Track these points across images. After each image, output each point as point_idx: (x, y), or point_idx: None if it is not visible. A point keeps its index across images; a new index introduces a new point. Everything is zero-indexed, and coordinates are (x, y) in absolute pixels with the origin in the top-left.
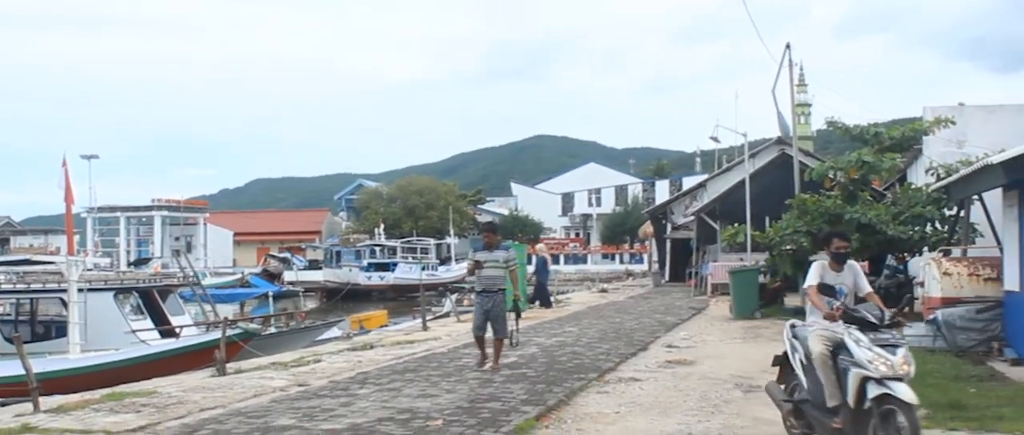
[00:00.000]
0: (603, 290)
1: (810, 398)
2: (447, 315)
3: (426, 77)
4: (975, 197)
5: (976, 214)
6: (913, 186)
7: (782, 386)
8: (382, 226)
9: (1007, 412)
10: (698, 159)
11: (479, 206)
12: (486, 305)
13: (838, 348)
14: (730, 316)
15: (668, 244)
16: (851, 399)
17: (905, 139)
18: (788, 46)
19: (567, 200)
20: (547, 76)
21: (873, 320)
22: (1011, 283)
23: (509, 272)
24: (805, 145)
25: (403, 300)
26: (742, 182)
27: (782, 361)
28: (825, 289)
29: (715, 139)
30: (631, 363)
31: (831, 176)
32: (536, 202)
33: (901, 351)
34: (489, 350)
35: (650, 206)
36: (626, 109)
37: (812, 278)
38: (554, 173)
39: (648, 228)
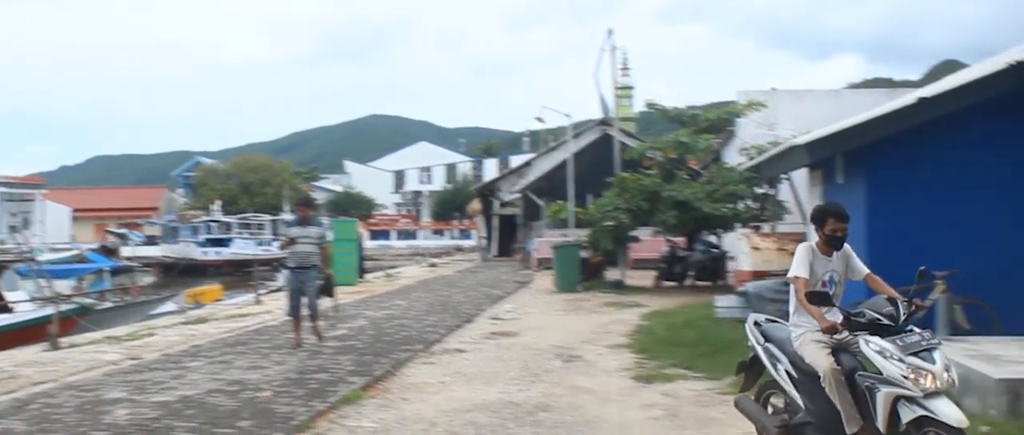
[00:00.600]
0: (433, 265)
1: (814, 421)
2: (280, 289)
3: (263, 56)
4: (784, 176)
5: (785, 192)
6: (727, 166)
7: (753, 397)
8: (219, 203)
9: None
10: (526, 139)
11: (313, 183)
12: (298, 282)
13: (844, 354)
14: (553, 289)
15: (495, 220)
16: (882, 424)
17: (720, 121)
18: (610, 32)
19: (399, 178)
20: (382, 57)
21: (887, 322)
22: None
23: (321, 249)
24: (627, 126)
25: (238, 275)
26: (566, 161)
27: (748, 367)
28: (818, 298)
29: (540, 120)
30: (457, 335)
31: (650, 156)
32: (369, 179)
33: (939, 356)
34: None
35: (479, 184)
36: (458, 90)
37: (798, 267)
38: (387, 151)
39: (476, 205)
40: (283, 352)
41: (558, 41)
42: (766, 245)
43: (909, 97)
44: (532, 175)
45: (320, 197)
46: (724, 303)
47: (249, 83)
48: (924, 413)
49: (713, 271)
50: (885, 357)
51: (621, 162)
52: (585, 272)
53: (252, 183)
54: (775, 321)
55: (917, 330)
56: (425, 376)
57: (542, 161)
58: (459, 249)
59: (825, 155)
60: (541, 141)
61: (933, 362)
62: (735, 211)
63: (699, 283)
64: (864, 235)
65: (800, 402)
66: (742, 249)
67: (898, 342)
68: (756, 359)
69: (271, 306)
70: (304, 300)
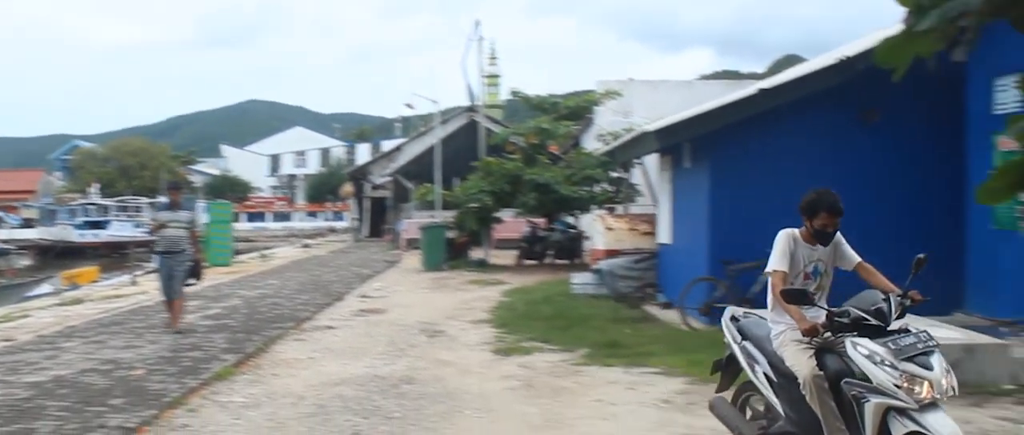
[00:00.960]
0: (306, 245)
1: (795, 431)
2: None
3: (142, 40)
4: (636, 161)
5: (638, 176)
6: (585, 151)
7: (730, 400)
8: (96, 186)
9: (656, 348)
10: (398, 125)
11: (190, 167)
12: (168, 267)
13: (830, 356)
14: (420, 268)
15: (367, 203)
16: None
17: (579, 109)
18: (477, 23)
19: (275, 162)
20: (259, 43)
21: (875, 322)
22: (664, 237)
23: (192, 233)
24: (495, 113)
25: (116, 257)
26: (434, 146)
27: (724, 366)
28: (796, 296)
29: (410, 106)
30: (327, 312)
31: (513, 141)
32: (245, 163)
33: (937, 361)
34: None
35: (352, 168)
36: (334, 77)
37: (777, 260)
38: (264, 136)
39: (349, 188)
40: (157, 332)
41: (431, 30)
42: (619, 226)
43: (750, 88)
44: (402, 159)
45: (197, 180)
46: (580, 280)
47: (127, 67)
48: (917, 429)
49: (571, 250)
50: (875, 362)
51: (486, 147)
52: (451, 252)
53: (130, 166)
54: (754, 316)
55: (913, 330)
56: (295, 352)
57: (412, 146)
58: (332, 230)
59: (674, 141)
60: (412, 127)
61: (930, 368)
62: (592, 194)
63: (558, 261)
64: (707, 218)
65: (780, 409)
66: (597, 229)
67: (890, 345)
68: (733, 358)
69: (147, 287)
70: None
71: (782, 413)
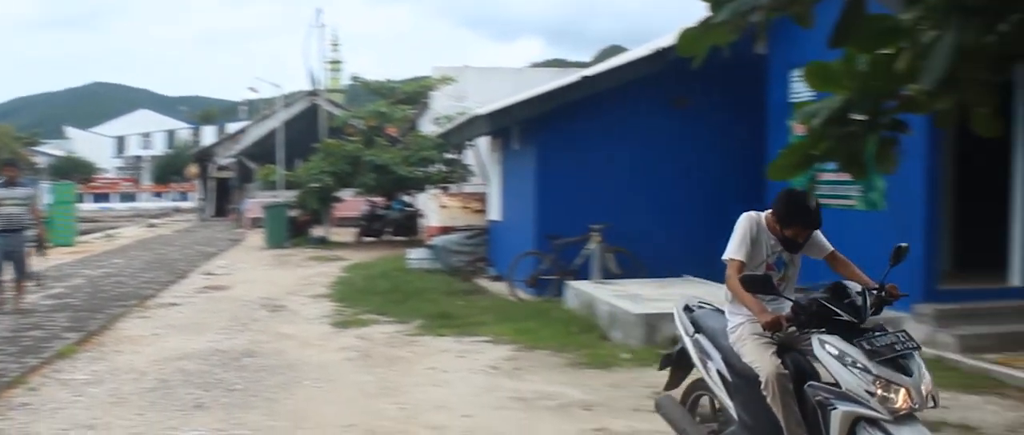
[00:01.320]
0: (152, 225)
1: None
2: None
3: None
4: (469, 142)
5: (471, 157)
6: (421, 134)
7: (680, 399)
8: None
9: (485, 318)
10: (243, 107)
11: (33, 148)
12: (6, 245)
13: (794, 355)
14: (264, 246)
15: (212, 183)
16: None
17: (416, 93)
18: (319, 11)
19: (120, 143)
20: (105, 25)
21: (848, 317)
22: (494, 214)
23: (32, 210)
24: (337, 97)
25: None
26: (276, 129)
27: (674, 361)
28: (756, 283)
29: (254, 90)
30: (171, 290)
31: (353, 124)
32: (91, 145)
33: (916, 365)
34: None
35: (197, 149)
36: (180, 59)
37: (735, 248)
38: (110, 118)
39: (194, 169)
40: None
41: (275, 16)
42: (453, 204)
43: (575, 76)
44: (246, 141)
45: (41, 162)
46: (415, 255)
47: None
48: None
49: (407, 227)
50: (845, 364)
51: (328, 130)
52: (293, 230)
53: None
54: (709, 307)
55: (890, 330)
56: (139, 329)
57: (256, 128)
58: (178, 210)
59: (504, 124)
60: (256, 110)
61: (909, 373)
62: (427, 174)
63: (395, 238)
64: (534, 196)
65: (733, 412)
66: (432, 208)
67: (864, 345)
68: (684, 353)
69: None
70: (11, 263)
71: (735, 416)
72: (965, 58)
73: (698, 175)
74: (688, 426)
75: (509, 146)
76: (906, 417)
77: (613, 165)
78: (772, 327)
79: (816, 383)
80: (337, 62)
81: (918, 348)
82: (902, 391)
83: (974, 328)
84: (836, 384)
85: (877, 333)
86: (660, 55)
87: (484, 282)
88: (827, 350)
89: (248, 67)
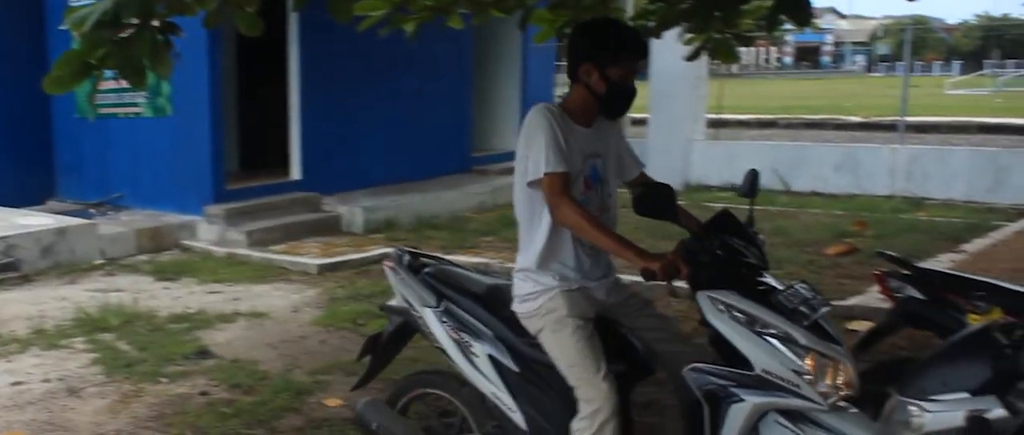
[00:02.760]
0: None
1: None
2: None
3: None
4: None
5: None
6: None
7: (387, 401)
8: None
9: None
10: None
11: None
12: None
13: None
14: None
15: None
16: None
17: None
18: None
19: None
20: None
21: (755, 260)
22: None
23: None
24: None
25: None
26: None
27: (384, 346)
28: (647, 204)
29: None
30: None
31: None
32: None
33: (836, 330)
34: None
35: None
36: None
37: (550, 157)
38: None
39: None
40: None
41: None
42: None
43: None
44: None
45: None
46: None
47: None
48: None
49: None
50: (761, 335)
51: None
52: None
53: None
54: (448, 263)
55: (802, 284)
56: None
57: None
58: None
59: None
60: None
61: (838, 342)
62: None
63: None
64: None
65: (517, 418)
66: None
67: (783, 304)
68: (404, 332)
69: None
70: None
71: (521, 424)
72: None
73: None
74: None
75: None
76: (840, 408)
77: None
78: (667, 274)
79: (702, 365)
80: None
81: (828, 305)
82: (841, 369)
83: (261, 223)
84: (746, 365)
85: (788, 291)
86: None
87: None
88: (732, 315)
89: None
